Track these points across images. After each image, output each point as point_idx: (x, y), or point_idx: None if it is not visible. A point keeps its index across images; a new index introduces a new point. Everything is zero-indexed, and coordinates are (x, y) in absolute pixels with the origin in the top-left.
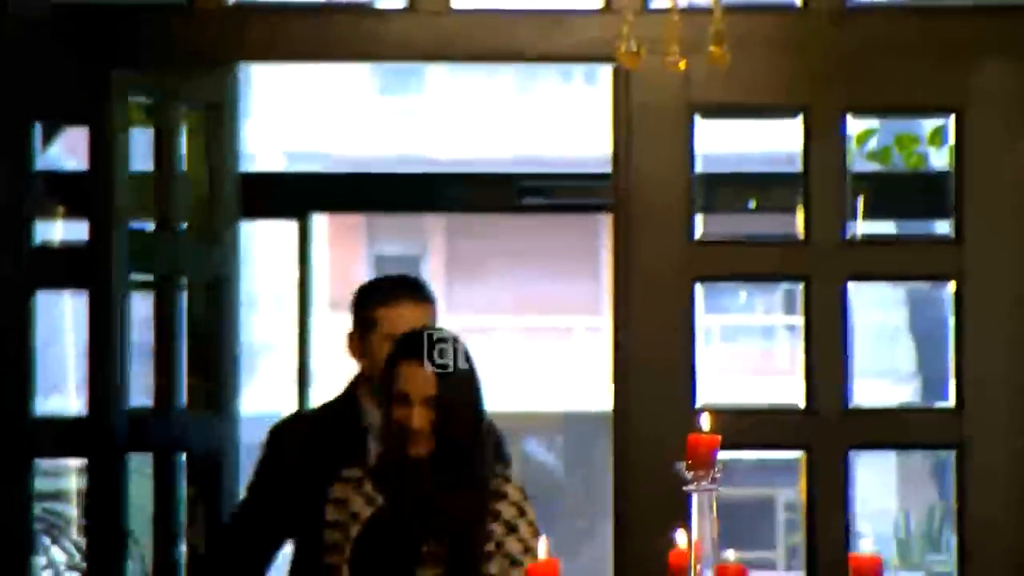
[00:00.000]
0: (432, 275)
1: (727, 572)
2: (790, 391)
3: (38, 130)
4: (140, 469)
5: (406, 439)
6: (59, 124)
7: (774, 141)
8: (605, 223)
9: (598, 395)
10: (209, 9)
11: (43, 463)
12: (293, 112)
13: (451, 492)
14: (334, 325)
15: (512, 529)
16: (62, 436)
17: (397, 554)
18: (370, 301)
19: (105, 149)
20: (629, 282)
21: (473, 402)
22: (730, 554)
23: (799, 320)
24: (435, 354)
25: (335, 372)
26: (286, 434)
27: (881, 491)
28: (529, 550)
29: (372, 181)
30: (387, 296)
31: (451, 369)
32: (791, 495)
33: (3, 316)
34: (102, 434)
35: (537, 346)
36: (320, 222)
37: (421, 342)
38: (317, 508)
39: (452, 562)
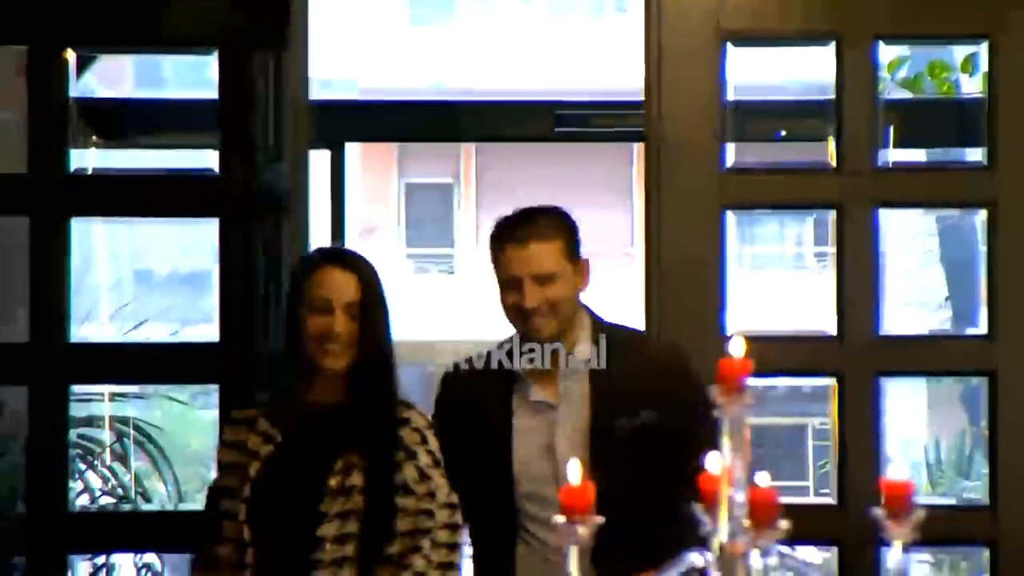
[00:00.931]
0: (463, 204)
1: (759, 495)
2: (819, 321)
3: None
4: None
5: (325, 352)
6: (95, 52)
7: (805, 70)
8: (637, 152)
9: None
10: None
11: (76, 388)
12: (323, 40)
13: (365, 412)
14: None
15: (411, 456)
16: (202, 362)
17: (301, 488)
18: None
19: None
20: (661, 210)
21: (387, 315)
22: (763, 477)
23: (829, 249)
24: (348, 262)
25: None
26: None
27: (911, 419)
28: (425, 478)
29: (406, 110)
30: (506, 227)
31: (368, 276)
32: (821, 423)
33: (42, 244)
34: (245, 360)
35: None
36: (352, 150)
37: (337, 250)
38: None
39: (366, 491)
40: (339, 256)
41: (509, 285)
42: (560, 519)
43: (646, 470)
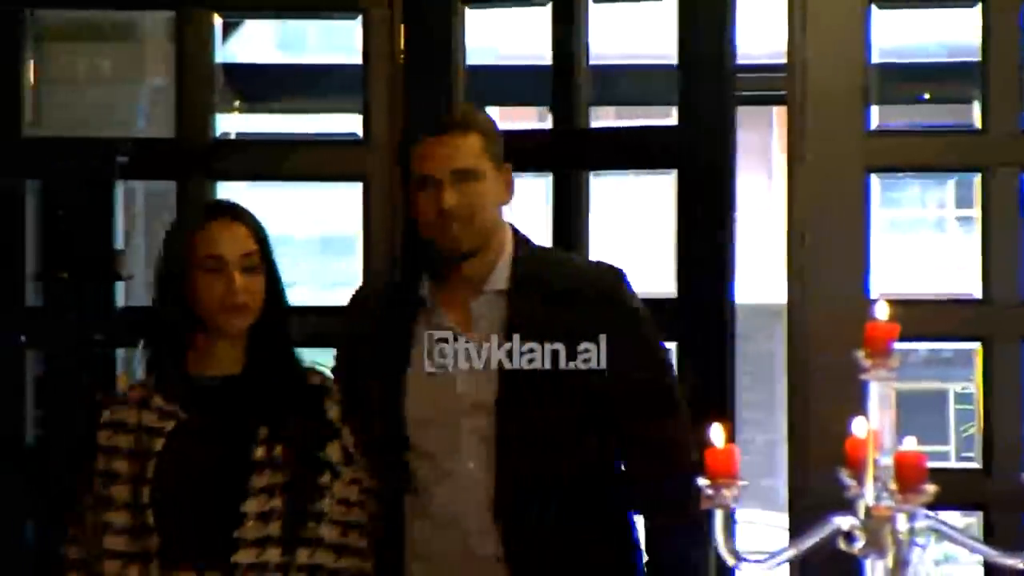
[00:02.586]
0: None
1: (906, 459)
2: (962, 285)
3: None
4: None
5: (228, 312)
6: (240, 17)
7: (950, 31)
8: (776, 115)
9: (768, 287)
10: None
11: None
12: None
13: (276, 381)
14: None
15: (336, 434)
16: None
17: (217, 464)
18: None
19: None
20: (803, 174)
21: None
22: (910, 441)
23: (971, 212)
24: (236, 211)
25: None
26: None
27: None
28: (351, 460)
29: (544, 76)
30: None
31: (258, 225)
32: (963, 388)
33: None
34: None
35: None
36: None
37: (220, 202)
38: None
39: (289, 465)
40: (224, 208)
41: (424, 185)
42: (704, 482)
43: (568, 416)
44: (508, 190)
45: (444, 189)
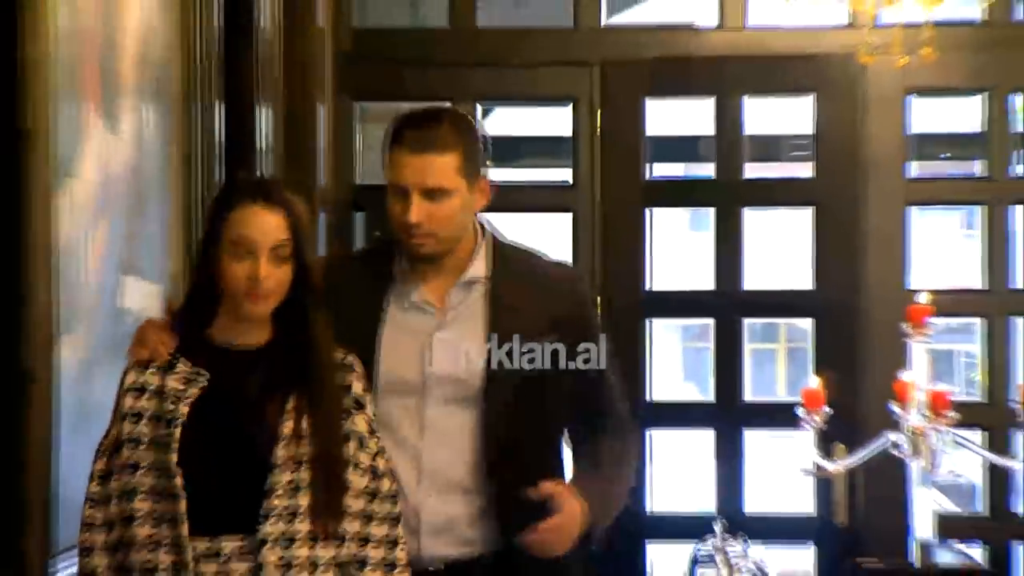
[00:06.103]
0: None
1: (937, 395)
2: (969, 279)
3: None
4: None
5: (250, 298)
6: (493, 106)
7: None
8: None
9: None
10: None
11: None
12: None
13: (303, 353)
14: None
15: (360, 406)
16: None
17: (244, 434)
18: (395, 130)
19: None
20: (867, 209)
21: (309, 252)
22: (941, 385)
23: (974, 232)
24: (275, 198)
25: None
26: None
27: None
28: (374, 434)
29: (689, 141)
30: (405, 127)
31: (295, 214)
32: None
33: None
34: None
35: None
36: None
37: (263, 184)
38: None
39: (315, 437)
40: (261, 191)
41: (396, 192)
42: (802, 410)
43: (537, 396)
44: (482, 198)
45: (412, 203)
